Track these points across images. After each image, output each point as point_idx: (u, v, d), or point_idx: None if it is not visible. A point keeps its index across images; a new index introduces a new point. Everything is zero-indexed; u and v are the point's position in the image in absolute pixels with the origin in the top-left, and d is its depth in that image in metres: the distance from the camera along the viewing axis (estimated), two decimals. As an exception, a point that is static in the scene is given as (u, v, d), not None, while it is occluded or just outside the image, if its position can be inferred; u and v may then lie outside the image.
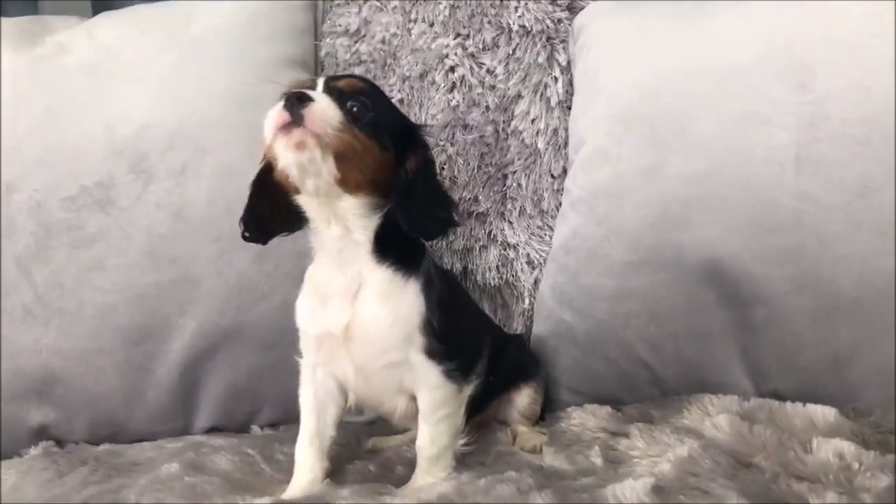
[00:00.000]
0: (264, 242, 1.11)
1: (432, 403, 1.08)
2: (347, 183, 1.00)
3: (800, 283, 1.18)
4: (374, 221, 1.05)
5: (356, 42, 1.67)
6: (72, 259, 1.32)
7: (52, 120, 1.38)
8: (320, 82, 1.02)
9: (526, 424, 1.30)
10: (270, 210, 1.08)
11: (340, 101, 0.99)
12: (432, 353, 1.06)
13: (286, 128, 0.95)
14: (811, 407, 1.12)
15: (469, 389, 1.13)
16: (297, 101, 0.94)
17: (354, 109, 0.99)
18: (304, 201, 1.04)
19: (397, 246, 1.05)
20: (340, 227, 1.04)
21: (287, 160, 0.96)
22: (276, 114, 0.96)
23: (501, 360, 1.26)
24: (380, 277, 1.05)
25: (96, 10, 1.91)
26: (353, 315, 1.05)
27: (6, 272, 1.31)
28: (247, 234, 1.09)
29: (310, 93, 0.96)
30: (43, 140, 1.37)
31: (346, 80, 1.03)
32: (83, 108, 1.39)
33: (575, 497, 0.94)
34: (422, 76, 1.63)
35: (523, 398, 1.30)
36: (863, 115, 1.17)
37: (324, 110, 0.96)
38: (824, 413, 1.10)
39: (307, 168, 0.97)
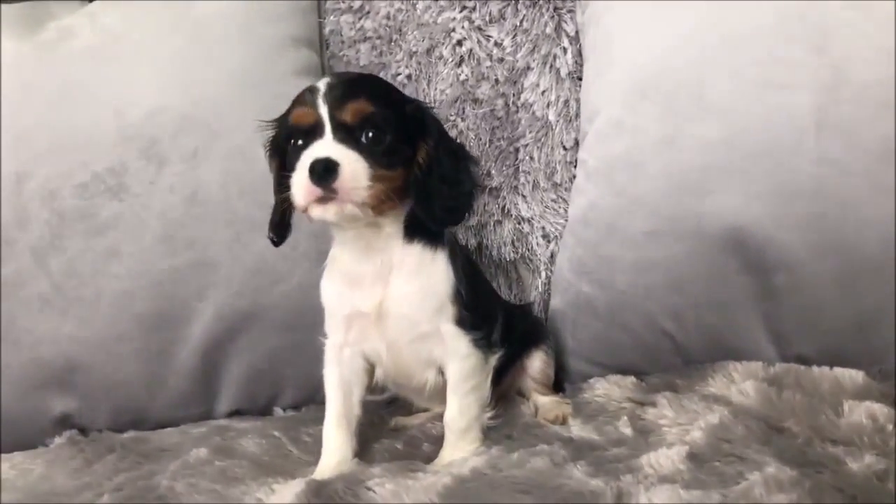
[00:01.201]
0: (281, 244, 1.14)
1: (462, 373, 1.09)
2: (382, 211, 1.02)
3: (822, 249, 1.17)
4: (401, 214, 1.06)
5: (360, 18, 1.65)
6: (87, 247, 1.32)
7: (61, 107, 1.36)
8: (325, 116, 0.99)
9: (544, 393, 1.31)
10: (290, 215, 1.10)
11: (354, 137, 0.99)
12: (462, 321, 1.08)
13: (321, 200, 0.96)
14: (838, 370, 1.13)
15: (494, 360, 1.15)
16: (325, 173, 0.94)
17: (370, 138, 0.99)
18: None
19: (422, 223, 1.06)
20: (370, 228, 1.06)
21: (327, 219, 1.00)
22: (306, 186, 0.96)
23: (512, 330, 1.27)
24: (410, 255, 1.07)
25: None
26: (385, 294, 1.06)
27: (21, 262, 1.30)
28: (275, 240, 1.13)
29: (332, 156, 0.95)
30: (52, 128, 1.35)
31: (351, 109, 1.00)
32: (91, 94, 1.38)
33: (610, 467, 0.94)
34: (429, 51, 1.61)
35: (535, 362, 1.32)
36: (883, 77, 1.16)
37: (353, 175, 0.96)
38: (852, 376, 1.11)
39: (347, 220, 1.01)
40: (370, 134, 0.99)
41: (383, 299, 1.07)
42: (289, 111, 1.05)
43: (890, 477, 0.83)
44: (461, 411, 1.09)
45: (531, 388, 1.32)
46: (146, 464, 1.13)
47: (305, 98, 1.02)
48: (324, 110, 0.99)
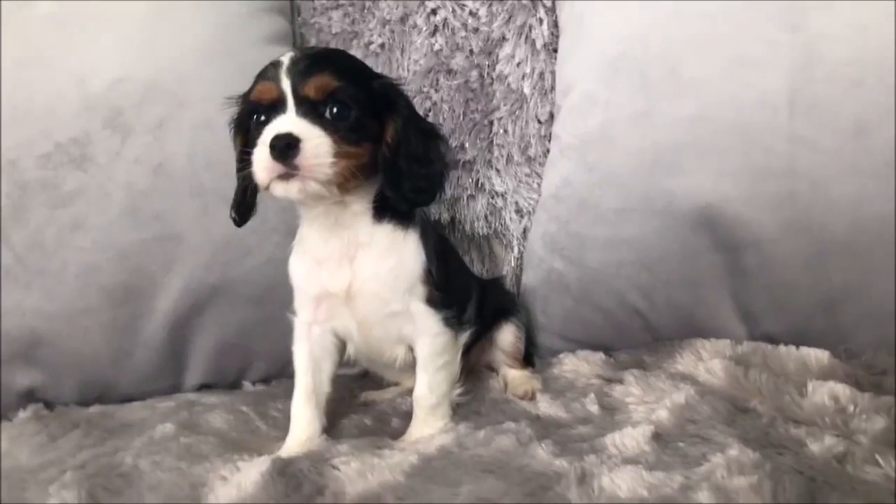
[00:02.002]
0: (243, 224, 1.12)
1: (432, 351, 1.09)
2: (348, 189, 1.00)
3: (793, 228, 1.17)
4: (370, 193, 1.05)
5: (333, -15, 1.62)
6: (51, 219, 1.29)
7: (21, 75, 1.32)
8: (287, 91, 0.97)
9: (514, 366, 1.32)
10: (254, 194, 1.08)
11: (317, 112, 0.97)
12: (432, 301, 1.08)
13: (282, 177, 0.95)
14: (804, 350, 1.14)
15: (464, 337, 1.16)
16: (286, 149, 0.93)
17: (335, 114, 0.98)
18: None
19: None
20: (337, 206, 1.04)
21: (290, 197, 0.98)
22: (267, 163, 0.94)
23: (484, 305, 1.27)
24: (380, 235, 1.06)
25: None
26: (353, 274, 1.05)
27: None
28: (237, 220, 1.11)
29: (294, 131, 0.94)
30: (12, 96, 1.31)
31: (314, 83, 0.98)
32: (52, 62, 1.34)
33: (575, 447, 0.95)
34: (402, 19, 1.58)
35: (506, 336, 1.32)
36: (857, 55, 1.15)
37: (315, 151, 0.94)
38: (817, 356, 1.12)
39: (311, 198, 0.99)
40: (334, 109, 0.97)
41: (352, 279, 1.06)
42: (252, 86, 1.03)
43: (849, 459, 0.84)
44: (431, 388, 1.10)
45: (502, 361, 1.32)
46: (110, 440, 1.12)
47: (268, 73, 1.00)
48: (286, 85, 0.97)
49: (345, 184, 0.98)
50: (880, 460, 0.82)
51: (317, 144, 0.94)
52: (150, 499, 0.91)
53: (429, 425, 1.09)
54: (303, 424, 1.10)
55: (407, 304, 1.07)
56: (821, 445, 0.87)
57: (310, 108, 0.97)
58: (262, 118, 0.99)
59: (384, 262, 1.06)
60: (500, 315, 1.33)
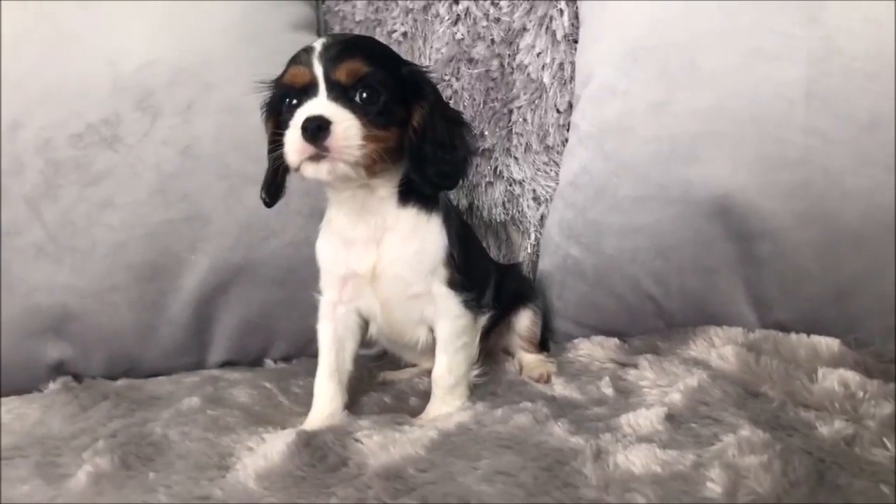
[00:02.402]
0: (273, 205, 1.16)
1: (452, 333, 1.13)
2: (375, 172, 1.04)
3: (805, 218, 1.20)
4: (396, 177, 1.08)
5: (357, -27, 1.65)
6: (81, 197, 1.33)
7: (54, 56, 1.36)
8: (319, 75, 1.00)
9: (530, 350, 1.35)
10: (284, 175, 1.12)
11: (348, 97, 1.00)
12: (453, 284, 1.12)
13: (313, 158, 0.98)
14: (815, 338, 1.17)
15: (483, 320, 1.19)
16: (317, 131, 0.96)
17: (364, 98, 1.01)
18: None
19: (416, 187, 1.08)
20: (364, 190, 1.07)
21: (319, 178, 1.00)
22: (298, 144, 0.98)
23: (502, 290, 1.30)
24: (405, 219, 1.10)
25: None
26: (379, 256, 1.09)
27: (16, 211, 1.31)
28: (267, 200, 1.14)
29: (325, 114, 0.97)
30: (46, 76, 1.35)
31: (345, 68, 1.01)
32: (85, 43, 1.38)
33: (590, 426, 0.98)
34: (425, 8, 1.62)
35: (523, 320, 1.35)
36: (873, 50, 1.18)
37: (345, 133, 0.97)
38: (828, 343, 1.14)
39: (339, 180, 1.02)
40: (364, 94, 1.01)
41: (378, 261, 1.09)
42: (284, 71, 1.06)
43: (857, 442, 0.87)
44: (450, 369, 1.13)
45: (518, 345, 1.35)
46: (139, 411, 1.16)
47: (301, 57, 1.03)
48: (318, 69, 1.00)
49: (372, 166, 1.01)
50: (887, 443, 0.85)
51: (347, 127, 0.97)
52: (180, 466, 0.95)
53: (447, 404, 1.12)
54: (326, 400, 1.13)
55: (429, 286, 1.11)
56: (830, 428, 0.90)
57: (340, 93, 1.00)
58: (294, 101, 1.02)
59: (408, 244, 1.09)
60: (517, 300, 1.36)
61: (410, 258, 1.09)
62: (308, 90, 1.01)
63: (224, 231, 1.36)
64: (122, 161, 1.34)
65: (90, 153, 1.33)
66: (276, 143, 1.03)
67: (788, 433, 0.90)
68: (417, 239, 1.09)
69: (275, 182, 1.12)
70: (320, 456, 0.93)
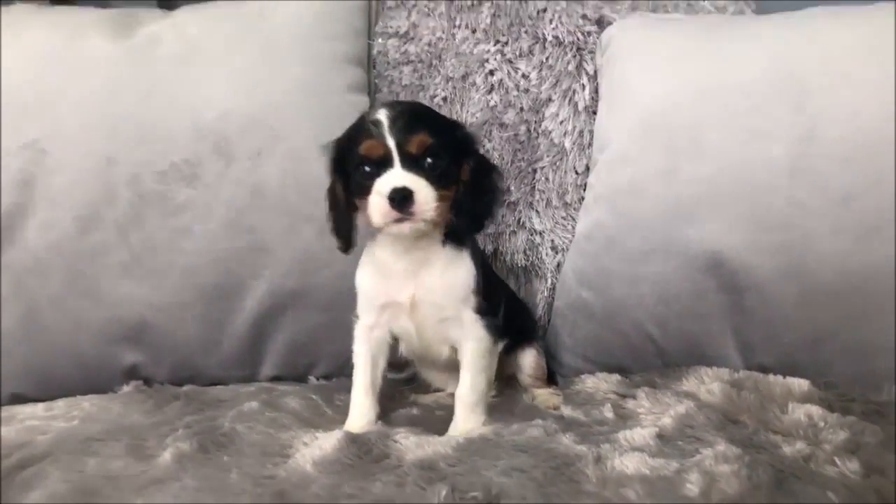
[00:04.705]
0: (350, 251, 1.30)
1: (476, 353, 1.28)
2: (438, 224, 1.22)
3: (786, 275, 1.36)
4: (444, 222, 1.24)
5: (405, 43, 1.85)
6: (163, 225, 1.51)
7: (147, 104, 1.55)
8: (393, 148, 1.16)
9: (539, 386, 1.48)
10: (354, 225, 1.28)
11: (418, 165, 1.17)
12: (480, 310, 1.28)
13: (397, 220, 1.16)
14: (790, 379, 1.32)
15: (500, 345, 1.35)
16: (402, 200, 1.14)
17: (431, 164, 1.17)
18: None
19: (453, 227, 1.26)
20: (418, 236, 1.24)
21: (402, 234, 1.20)
22: (385, 210, 1.15)
23: (511, 321, 1.44)
24: (442, 254, 1.27)
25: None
26: (417, 286, 1.27)
27: (107, 234, 1.50)
28: (345, 248, 1.29)
29: (407, 185, 1.14)
30: (139, 121, 1.54)
31: (415, 141, 1.16)
32: (172, 94, 1.56)
33: (593, 438, 1.15)
34: (464, 77, 1.81)
35: (528, 358, 1.50)
36: (849, 135, 1.36)
37: (424, 199, 1.15)
38: (799, 384, 1.30)
39: (415, 234, 1.20)
40: (430, 161, 1.17)
41: (416, 290, 1.27)
42: (353, 139, 1.21)
43: (813, 459, 1.03)
44: (472, 387, 1.28)
45: (527, 382, 1.50)
46: (207, 410, 1.32)
47: (372, 131, 1.18)
48: (391, 143, 1.16)
49: (440, 220, 1.19)
50: (837, 461, 1.01)
51: (424, 194, 1.15)
52: (249, 452, 1.12)
53: (470, 421, 1.26)
54: (362, 412, 1.30)
55: (459, 311, 1.27)
56: (792, 448, 1.07)
57: (412, 162, 1.16)
58: (369, 169, 1.18)
59: (444, 277, 1.26)
60: (521, 338, 1.50)
61: (447, 288, 1.26)
62: (383, 161, 1.16)
63: (282, 261, 1.53)
64: (199, 196, 1.52)
65: (172, 188, 1.52)
66: (349, 201, 1.24)
67: (758, 451, 1.05)
68: (452, 272, 1.27)
69: (348, 231, 1.28)
70: (366, 450, 1.10)
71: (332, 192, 1.29)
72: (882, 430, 1.11)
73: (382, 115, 1.18)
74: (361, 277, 1.33)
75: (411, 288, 1.28)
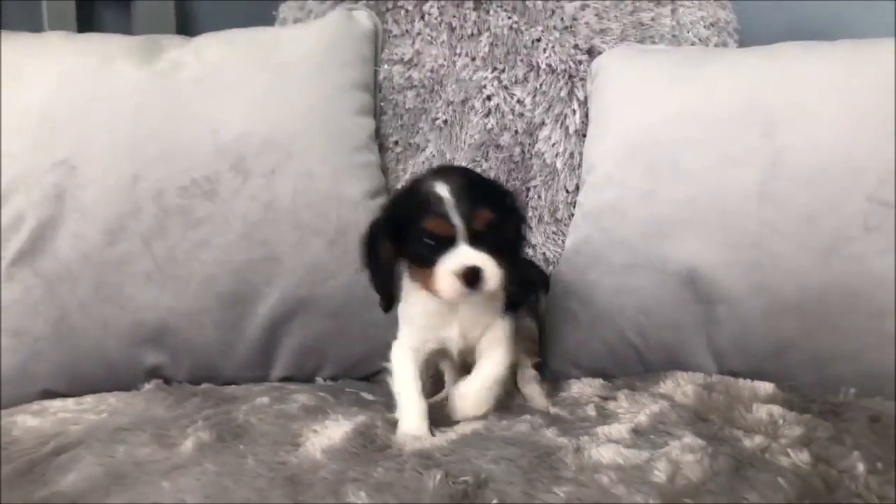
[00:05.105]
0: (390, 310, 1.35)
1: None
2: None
3: (755, 289, 1.47)
4: None
5: (409, 69, 1.97)
6: (184, 237, 1.61)
7: (170, 124, 1.66)
8: (459, 227, 1.19)
9: (531, 353, 1.59)
10: (393, 281, 1.34)
11: (482, 240, 1.21)
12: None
13: (465, 294, 1.21)
14: (756, 382, 1.42)
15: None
16: (473, 278, 1.19)
17: (493, 238, 1.22)
18: None
19: None
20: None
21: (460, 301, 1.26)
22: (455, 286, 1.20)
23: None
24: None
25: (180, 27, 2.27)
26: (461, 318, 1.36)
27: (132, 245, 1.61)
28: (387, 307, 1.35)
29: (477, 264, 1.19)
30: (162, 140, 1.65)
31: (480, 219, 1.20)
32: (194, 116, 1.67)
33: (574, 432, 1.26)
34: (463, 102, 1.94)
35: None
36: (811, 163, 1.47)
37: (492, 273, 1.20)
38: (765, 387, 1.40)
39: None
40: (492, 234, 1.22)
41: (461, 320, 1.36)
42: (412, 210, 1.25)
43: (769, 451, 1.14)
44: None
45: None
46: (223, 405, 1.42)
47: (436, 208, 1.20)
48: (458, 222, 1.19)
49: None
50: (791, 453, 1.12)
51: (491, 269, 1.20)
52: (263, 441, 1.22)
53: (478, 409, 1.34)
54: (420, 413, 1.32)
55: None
56: (751, 442, 1.17)
57: (476, 238, 1.20)
58: (433, 244, 1.21)
59: (484, 306, 1.36)
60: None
61: (487, 314, 1.37)
62: (449, 238, 1.20)
63: (292, 271, 1.63)
64: (217, 211, 1.63)
65: (193, 203, 1.62)
66: (389, 261, 1.30)
67: (720, 443, 1.16)
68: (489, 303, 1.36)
69: (392, 290, 1.33)
70: (370, 440, 1.22)
71: (375, 252, 1.31)
72: (834, 426, 1.22)
73: (444, 191, 1.21)
74: (412, 314, 1.37)
75: (457, 321, 1.36)
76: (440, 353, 1.40)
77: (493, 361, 1.36)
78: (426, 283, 1.25)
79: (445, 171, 1.33)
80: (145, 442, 1.25)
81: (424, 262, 1.23)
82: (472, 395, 1.33)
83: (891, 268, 1.41)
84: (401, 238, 1.27)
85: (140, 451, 1.22)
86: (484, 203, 1.22)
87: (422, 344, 1.37)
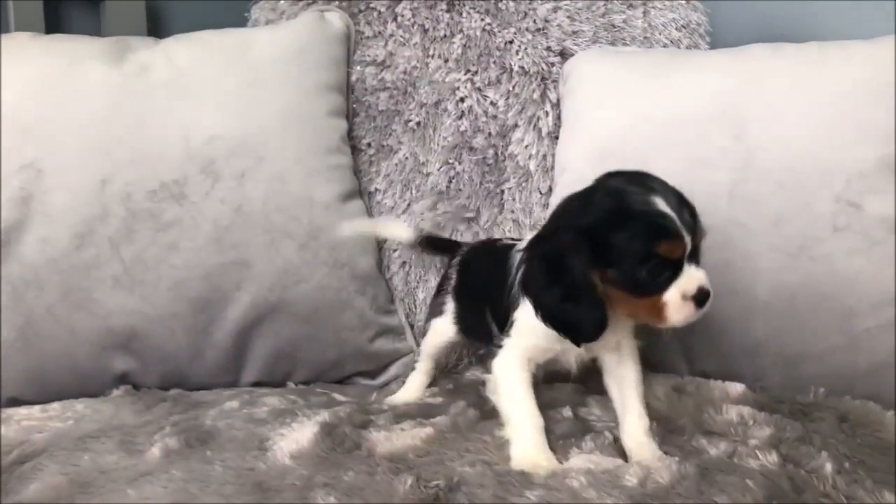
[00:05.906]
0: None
1: None
2: None
3: (726, 290, 1.46)
4: None
5: (382, 71, 1.96)
6: (153, 241, 1.59)
7: (140, 127, 1.64)
8: (689, 245, 1.09)
9: None
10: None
11: (695, 255, 1.12)
12: None
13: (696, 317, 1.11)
14: (727, 383, 1.44)
15: None
16: (705, 300, 1.11)
17: (697, 252, 1.12)
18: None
19: None
20: None
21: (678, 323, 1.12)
22: (688, 311, 1.11)
23: None
24: None
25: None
26: None
27: (100, 249, 1.59)
28: (594, 335, 1.14)
29: (706, 285, 1.11)
30: (131, 143, 1.62)
31: (700, 234, 1.12)
32: (163, 119, 1.65)
33: (549, 438, 1.27)
34: (436, 104, 1.93)
35: None
36: (781, 164, 1.48)
37: (711, 292, 1.11)
38: (735, 387, 1.42)
39: None
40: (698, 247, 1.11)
41: None
42: (627, 228, 1.09)
43: (736, 454, 1.16)
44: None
45: None
46: (192, 410, 1.41)
47: (669, 229, 1.08)
48: (689, 240, 1.09)
49: None
50: (759, 454, 1.13)
51: (710, 287, 1.10)
52: (230, 447, 1.20)
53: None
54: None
55: None
56: (717, 451, 1.18)
57: (694, 255, 1.10)
58: (664, 268, 1.09)
59: None
60: None
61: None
62: (679, 261, 1.09)
63: (263, 275, 1.62)
64: (187, 214, 1.61)
65: (162, 206, 1.60)
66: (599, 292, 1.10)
67: (688, 455, 1.18)
68: None
69: (604, 320, 1.12)
70: (339, 441, 1.21)
71: (573, 280, 1.11)
72: (803, 426, 1.24)
73: (664, 206, 1.08)
74: (536, 322, 1.18)
75: None
76: (552, 362, 1.30)
77: (638, 392, 1.28)
78: (646, 311, 1.13)
79: (643, 180, 1.16)
80: (111, 449, 1.24)
81: (649, 290, 1.10)
82: (647, 443, 1.21)
83: (859, 268, 1.42)
84: (600, 261, 1.10)
85: (106, 459, 1.21)
86: (694, 214, 1.11)
87: (541, 353, 1.27)
